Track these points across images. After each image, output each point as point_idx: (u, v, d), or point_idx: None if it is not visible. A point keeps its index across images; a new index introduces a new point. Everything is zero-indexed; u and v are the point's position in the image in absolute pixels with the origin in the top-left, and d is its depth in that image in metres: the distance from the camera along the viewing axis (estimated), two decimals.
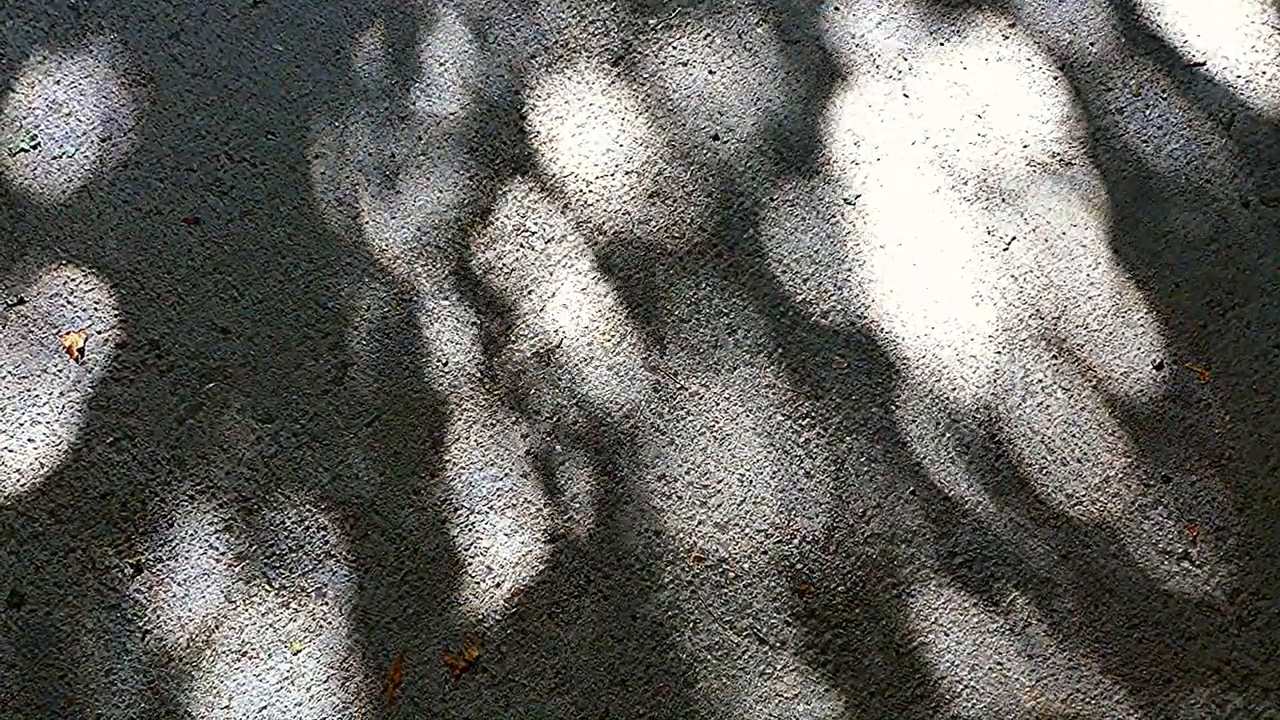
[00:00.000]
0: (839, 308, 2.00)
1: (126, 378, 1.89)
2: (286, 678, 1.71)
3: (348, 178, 2.07)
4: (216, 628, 1.73)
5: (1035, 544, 1.84)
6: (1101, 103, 2.20)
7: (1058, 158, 2.15)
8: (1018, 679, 1.75)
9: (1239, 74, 2.24)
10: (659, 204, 2.08)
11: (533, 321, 1.97)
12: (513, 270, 2.00)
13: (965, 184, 2.11)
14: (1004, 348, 1.98)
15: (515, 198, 2.07)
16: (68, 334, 1.91)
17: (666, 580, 1.80)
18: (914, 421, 1.92)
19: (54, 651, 1.71)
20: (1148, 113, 2.20)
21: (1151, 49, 2.26)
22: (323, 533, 1.80)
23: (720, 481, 1.87)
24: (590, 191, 2.08)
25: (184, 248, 2.00)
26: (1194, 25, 2.28)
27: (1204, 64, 2.25)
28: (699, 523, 1.84)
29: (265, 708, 1.69)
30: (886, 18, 2.26)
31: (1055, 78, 2.22)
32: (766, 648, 1.76)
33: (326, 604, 1.76)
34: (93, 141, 2.07)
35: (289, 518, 1.81)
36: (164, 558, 1.77)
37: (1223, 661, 1.78)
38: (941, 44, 2.24)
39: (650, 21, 2.24)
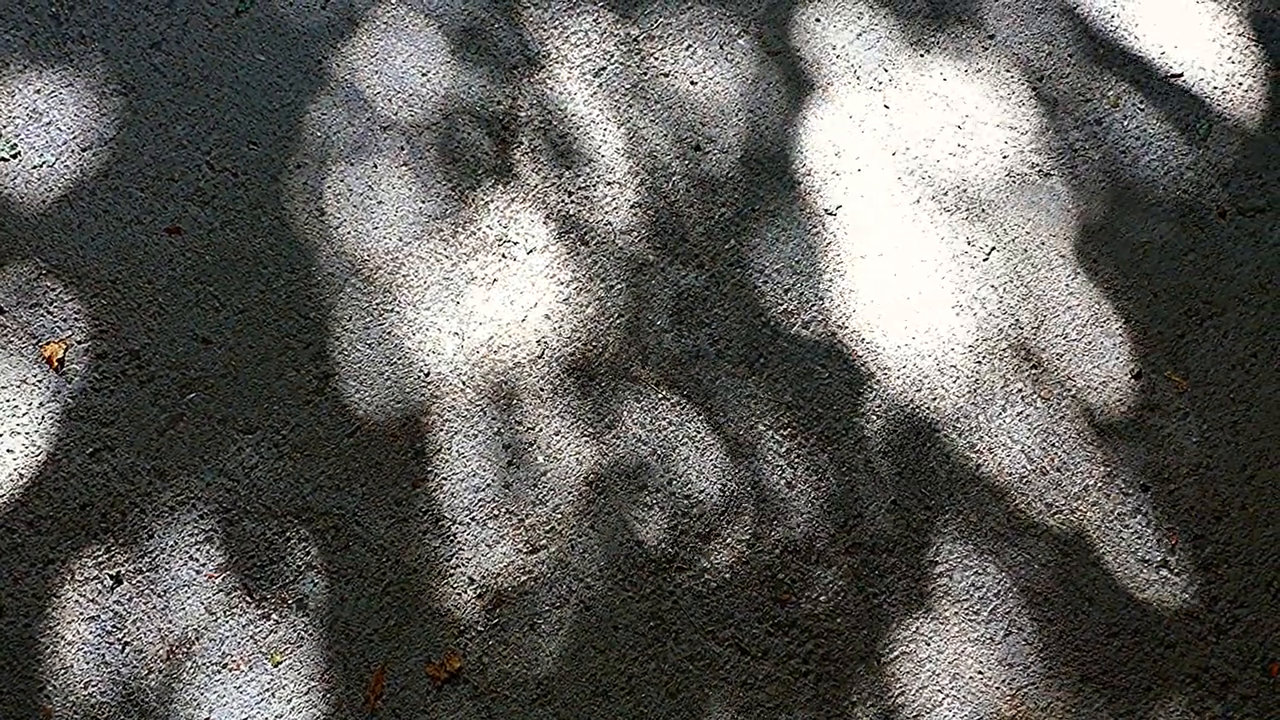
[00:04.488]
0: (820, 318, 2.01)
1: (107, 388, 1.88)
2: (267, 690, 1.70)
3: (330, 187, 2.07)
4: (197, 640, 1.73)
5: (1015, 553, 1.85)
6: (1080, 114, 2.22)
7: (1037, 168, 2.16)
8: (998, 688, 1.76)
9: (1216, 85, 2.26)
10: (641, 214, 2.08)
11: (515, 332, 1.97)
12: (495, 281, 2.01)
13: (945, 194, 2.13)
14: (984, 357, 2.00)
15: (497, 208, 2.07)
16: (48, 344, 1.90)
17: (648, 590, 1.80)
18: (895, 431, 1.93)
19: (32, 664, 1.70)
20: (1125, 124, 2.22)
21: (1129, 61, 2.28)
22: (304, 544, 1.79)
23: (702, 491, 1.87)
24: (572, 202, 2.08)
25: (165, 257, 1.99)
26: (1171, 37, 2.31)
27: (1181, 75, 2.27)
28: (681, 533, 1.84)
29: None
30: (867, 29, 2.28)
31: (1034, 89, 2.24)
32: (748, 658, 1.77)
33: (307, 615, 1.75)
34: (73, 151, 2.07)
35: (270, 529, 1.80)
36: (144, 569, 1.76)
37: (1201, 669, 1.79)
38: (921, 56, 2.26)
39: (632, 32, 2.25)
